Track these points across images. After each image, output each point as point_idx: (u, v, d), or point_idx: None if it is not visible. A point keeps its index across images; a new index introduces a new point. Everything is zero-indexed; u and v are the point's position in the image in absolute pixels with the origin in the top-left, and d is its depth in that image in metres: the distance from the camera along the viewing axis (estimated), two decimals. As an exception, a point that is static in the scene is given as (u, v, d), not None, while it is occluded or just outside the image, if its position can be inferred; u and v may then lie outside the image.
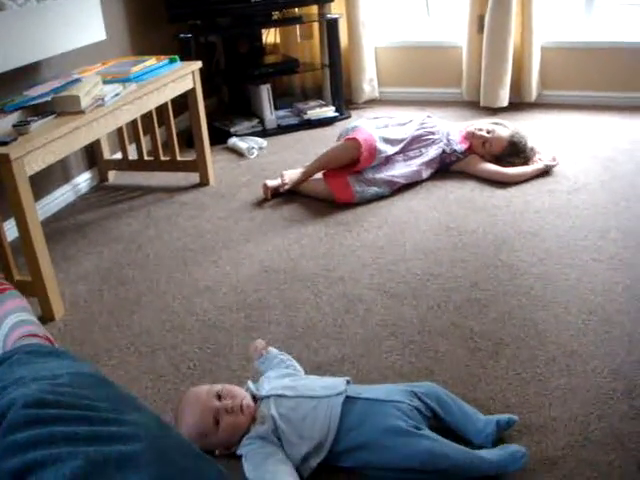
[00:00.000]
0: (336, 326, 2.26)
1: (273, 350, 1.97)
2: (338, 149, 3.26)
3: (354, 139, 3.16)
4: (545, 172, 3.33)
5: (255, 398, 1.76)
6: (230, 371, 2.06)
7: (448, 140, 3.38)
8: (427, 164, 3.31)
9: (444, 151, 3.35)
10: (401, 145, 3.28)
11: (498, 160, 3.37)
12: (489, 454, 1.63)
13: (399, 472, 1.60)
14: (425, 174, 3.31)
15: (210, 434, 1.70)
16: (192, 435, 1.69)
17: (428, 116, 3.52)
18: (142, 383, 2.06)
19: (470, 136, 3.42)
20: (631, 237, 2.70)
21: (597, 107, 4.28)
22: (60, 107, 2.52)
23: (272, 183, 3.29)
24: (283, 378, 1.83)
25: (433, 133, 3.37)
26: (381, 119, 3.51)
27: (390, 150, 3.23)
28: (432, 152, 3.33)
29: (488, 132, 3.39)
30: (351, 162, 3.18)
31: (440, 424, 1.73)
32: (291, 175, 3.28)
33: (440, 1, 4.72)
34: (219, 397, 1.73)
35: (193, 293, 2.53)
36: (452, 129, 3.47)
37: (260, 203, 3.25)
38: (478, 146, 3.39)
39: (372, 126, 3.34)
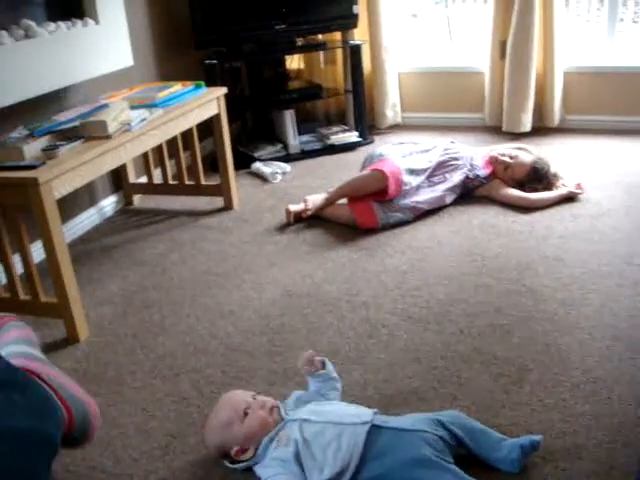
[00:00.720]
0: (359, 351, 2.26)
1: (329, 367, 1.93)
2: (364, 179, 3.26)
3: (381, 171, 3.16)
4: (569, 198, 3.31)
5: (281, 419, 1.78)
6: (253, 395, 2.06)
7: (471, 165, 3.38)
8: (451, 190, 3.32)
9: (467, 176, 3.35)
10: (426, 174, 3.29)
11: (521, 185, 3.36)
12: None
13: None
14: (449, 200, 3.32)
15: (235, 423, 1.76)
16: (218, 425, 1.79)
17: (452, 142, 3.53)
18: (165, 406, 2.07)
19: (493, 161, 3.42)
20: (656, 263, 2.69)
21: (620, 132, 4.27)
22: (88, 132, 2.56)
23: (295, 208, 3.30)
24: (310, 402, 1.84)
25: (457, 159, 3.37)
26: (405, 145, 3.52)
27: (415, 181, 3.24)
28: (456, 178, 3.33)
29: (511, 157, 3.39)
30: (376, 192, 3.19)
31: (466, 452, 1.72)
32: (314, 200, 3.30)
33: (462, 27, 4.74)
34: (254, 398, 1.81)
35: (217, 317, 2.55)
36: (475, 154, 3.48)
37: (283, 228, 3.27)
38: (501, 171, 3.39)
39: (397, 154, 3.35)
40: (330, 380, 1.91)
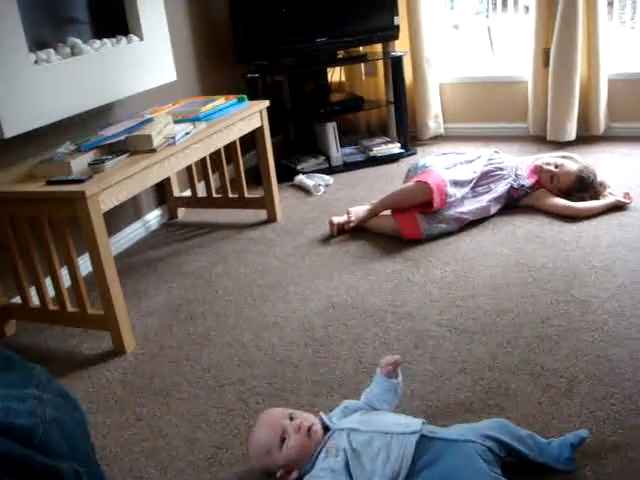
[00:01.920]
0: (405, 362, 2.24)
1: (400, 378, 1.90)
2: (408, 191, 3.24)
3: (425, 183, 3.14)
4: (616, 207, 3.25)
5: (327, 428, 1.76)
6: (298, 406, 2.05)
7: (516, 175, 3.35)
8: (496, 200, 3.28)
9: (512, 186, 3.32)
10: (470, 185, 3.27)
11: (567, 194, 3.32)
12: None
13: None
14: (493, 210, 3.28)
15: (274, 450, 1.72)
16: (257, 450, 1.75)
17: (496, 151, 3.50)
18: (211, 417, 2.08)
19: (538, 170, 3.38)
20: None
21: (668, 140, 4.20)
22: (133, 146, 2.60)
23: (338, 219, 3.30)
24: (358, 411, 1.83)
25: (501, 169, 3.34)
26: (449, 156, 3.50)
27: (459, 193, 3.21)
28: (500, 188, 3.30)
29: (556, 166, 3.35)
30: (420, 204, 3.17)
31: (517, 459, 1.70)
32: (357, 212, 3.30)
33: (504, 36, 4.72)
34: (291, 418, 1.76)
35: (261, 328, 2.55)
36: (520, 164, 3.44)
37: (327, 239, 3.27)
38: (546, 181, 3.35)
39: (441, 165, 3.33)
40: (394, 392, 1.88)
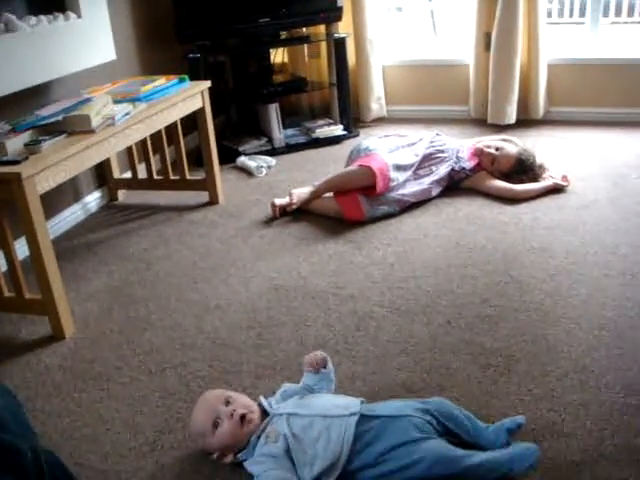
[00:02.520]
0: (347, 343, 2.26)
1: (330, 366, 1.92)
2: (351, 175, 3.24)
3: (369, 168, 3.14)
4: (555, 190, 3.31)
5: (267, 413, 1.77)
6: (240, 389, 2.05)
7: (457, 158, 3.39)
8: (437, 182, 3.32)
9: (453, 169, 3.35)
10: (413, 169, 3.29)
11: (507, 177, 3.37)
12: (500, 454, 1.65)
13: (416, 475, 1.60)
14: (435, 192, 3.31)
15: (207, 435, 1.75)
16: (193, 432, 1.80)
17: (437, 134, 3.53)
18: (153, 401, 2.06)
19: (479, 153, 3.42)
20: (642, 252, 2.70)
21: (605, 123, 4.28)
22: (71, 126, 2.54)
23: (280, 202, 3.30)
24: (297, 395, 1.83)
25: (443, 151, 3.38)
26: (391, 138, 3.52)
27: (402, 177, 3.24)
28: (442, 170, 3.34)
29: (496, 149, 3.40)
30: (363, 187, 3.18)
31: (453, 439, 1.72)
32: (299, 194, 3.29)
33: (446, 19, 4.75)
34: (227, 403, 1.76)
35: (203, 311, 2.53)
36: (461, 146, 3.48)
37: (269, 221, 3.26)
38: (487, 163, 3.39)
39: (384, 148, 3.34)
40: (327, 380, 1.90)
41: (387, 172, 3.18)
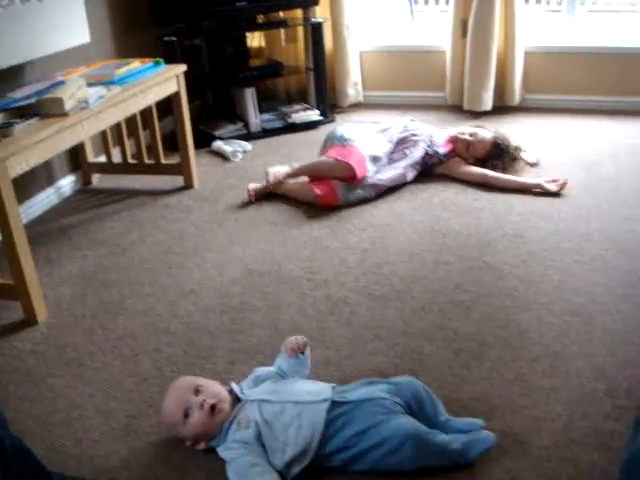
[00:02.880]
0: (320, 328, 2.26)
1: (307, 352, 1.92)
2: (330, 167, 3.21)
3: (347, 164, 3.13)
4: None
5: (239, 400, 1.77)
6: (214, 373, 2.05)
7: (431, 142, 3.40)
8: (411, 166, 3.32)
9: (427, 152, 3.36)
10: (387, 155, 3.30)
11: (483, 163, 3.38)
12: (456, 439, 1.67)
13: (380, 459, 1.62)
14: (410, 176, 3.32)
15: (178, 424, 1.75)
16: (164, 421, 1.81)
17: (411, 120, 3.54)
18: (126, 386, 2.06)
19: (454, 140, 3.44)
20: (613, 239, 2.73)
21: (580, 111, 4.31)
22: (44, 109, 2.51)
23: (255, 186, 3.29)
24: (269, 380, 1.83)
25: (416, 135, 3.39)
26: (365, 125, 3.53)
27: (377, 167, 3.26)
28: (416, 153, 3.35)
29: (471, 135, 3.41)
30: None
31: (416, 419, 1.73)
32: (276, 173, 3.30)
33: (424, 5, 4.74)
34: (197, 392, 1.76)
35: (177, 296, 2.53)
36: (435, 133, 3.49)
37: (244, 206, 3.25)
38: (462, 149, 3.40)
39: (360, 138, 3.34)
40: (302, 365, 1.90)
41: (364, 163, 3.19)
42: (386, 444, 1.60)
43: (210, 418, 1.72)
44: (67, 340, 2.31)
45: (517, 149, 3.42)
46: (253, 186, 3.29)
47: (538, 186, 3.20)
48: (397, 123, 3.48)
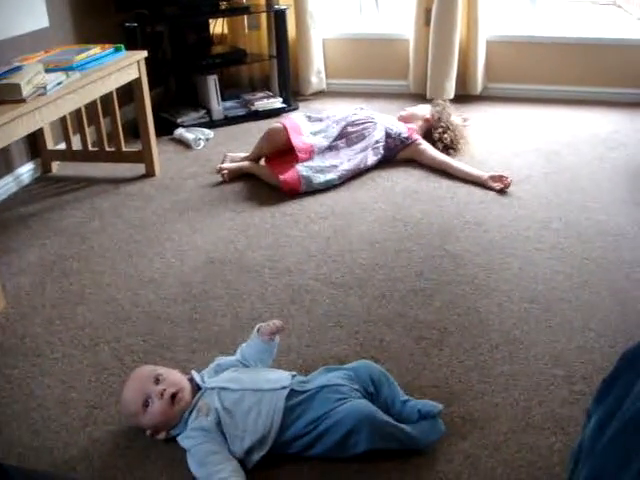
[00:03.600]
0: (282, 317, 2.26)
1: (277, 340, 1.93)
2: (265, 133, 3.37)
3: (279, 123, 3.32)
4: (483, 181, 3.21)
5: (199, 388, 1.76)
6: (175, 362, 2.04)
7: (391, 124, 3.45)
8: (373, 149, 3.35)
9: (389, 135, 3.39)
10: (336, 131, 3.35)
11: (434, 141, 3.48)
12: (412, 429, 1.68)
13: (337, 442, 1.63)
14: (371, 159, 3.34)
15: (138, 414, 1.74)
16: (124, 411, 1.80)
17: (361, 108, 3.59)
18: (85, 376, 2.04)
19: (403, 119, 3.56)
20: (572, 228, 2.76)
21: (541, 100, 4.35)
22: (0, 95, 2.46)
23: (230, 165, 3.41)
24: (231, 368, 1.83)
25: (372, 117, 3.44)
26: (313, 116, 3.57)
27: (325, 140, 3.30)
28: (377, 134, 3.38)
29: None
30: (283, 146, 3.27)
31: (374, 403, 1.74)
32: (233, 157, 3.48)
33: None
34: (157, 381, 1.74)
35: (138, 285, 2.51)
36: (390, 118, 3.56)
37: (206, 194, 3.23)
38: (407, 121, 3.57)
39: (303, 118, 3.48)
40: (269, 353, 1.90)
41: (299, 129, 3.30)
42: (341, 425, 1.61)
43: (170, 407, 1.71)
44: (26, 330, 2.28)
45: (458, 118, 3.55)
46: (227, 165, 3.38)
47: (481, 180, 3.17)
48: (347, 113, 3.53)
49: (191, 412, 1.71)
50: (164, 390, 1.72)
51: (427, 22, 4.30)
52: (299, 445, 1.66)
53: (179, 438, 1.71)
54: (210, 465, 1.59)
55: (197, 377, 1.80)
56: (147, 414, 1.72)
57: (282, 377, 1.75)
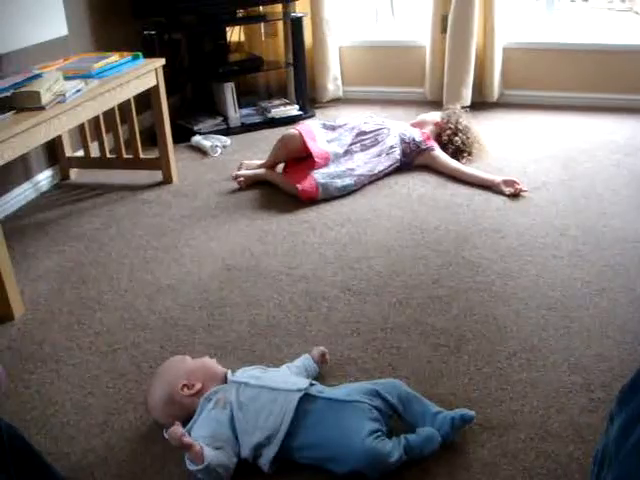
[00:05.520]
0: (299, 324, 2.26)
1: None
2: (279, 140, 3.37)
3: (294, 130, 3.32)
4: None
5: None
6: (192, 369, 2.05)
7: (405, 129, 3.48)
8: (387, 153, 3.36)
9: (403, 140, 3.40)
10: (350, 138, 3.35)
11: (445, 147, 3.48)
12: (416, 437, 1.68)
13: (345, 473, 1.62)
14: (386, 165, 3.35)
15: (181, 364, 1.85)
16: (162, 374, 1.84)
17: (371, 116, 3.62)
18: (103, 382, 2.04)
19: (414, 126, 3.57)
20: (590, 234, 2.74)
21: (558, 107, 4.33)
22: (20, 103, 2.48)
23: (245, 173, 3.42)
24: (255, 369, 1.86)
25: (383, 124, 3.46)
26: (327, 123, 3.57)
27: (339, 147, 3.31)
28: (390, 140, 3.39)
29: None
30: (298, 152, 3.28)
31: (400, 421, 1.74)
32: (248, 164, 3.50)
33: (404, 1, 4.74)
34: (185, 387, 1.80)
35: (155, 291, 2.52)
36: (402, 124, 3.59)
37: (223, 201, 3.24)
38: (421, 126, 3.57)
39: (317, 125, 3.48)
40: (306, 374, 1.92)
41: (314, 135, 3.31)
42: (352, 462, 1.60)
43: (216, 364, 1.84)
44: (44, 336, 2.29)
45: (467, 128, 3.52)
46: (243, 172, 3.40)
47: (494, 184, 3.18)
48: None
49: (209, 401, 1.73)
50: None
51: (443, 29, 4.30)
52: (306, 456, 1.66)
53: (189, 424, 1.72)
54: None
55: (229, 373, 1.84)
56: (191, 361, 1.86)
57: (300, 381, 1.77)
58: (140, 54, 3.23)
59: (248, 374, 1.80)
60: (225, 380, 1.82)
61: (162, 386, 1.80)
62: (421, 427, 1.71)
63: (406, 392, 1.77)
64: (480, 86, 4.42)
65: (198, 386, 1.78)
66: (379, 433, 1.63)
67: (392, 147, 3.37)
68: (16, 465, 1.28)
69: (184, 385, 1.78)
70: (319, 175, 3.15)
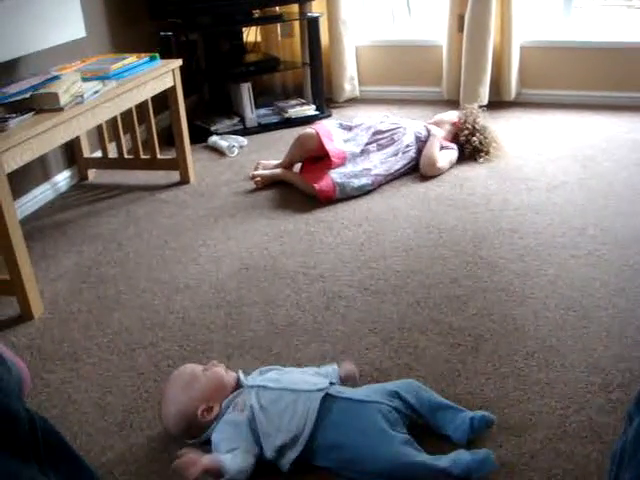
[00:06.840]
0: (316, 323, 2.27)
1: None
2: (296, 138, 3.39)
3: (311, 129, 3.34)
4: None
5: (241, 387, 1.80)
6: (210, 368, 2.05)
7: (422, 127, 3.48)
8: (403, 152, 3.36)
9: (419, 138, 3.40)
10: (366, 137, 3.35)
11: (461, 143, 3.53)
12: (455, 461, 1.60)
13: (369, 474, 1.61)
14: (403, 164, 3.35)
15: (194, 381, 1.76)
16: (175, 391, 1.77)
17: (386, 116, 3.61)
18: (122, 381, 2.06)
19: (434, 125, 3.56)
20: (608, 234, 2.73)
21: (576, 106, 4.31)
22: (39, 104, 2.51)
23: (262, 172, 3.43)
24: (273, 371, 1.86)
25: (398, 124, 3.46)
26: (343, 123, 3.57)
27: (355, 147, 3.31)
28: (406, 139, 3.39)
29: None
30: (315, 152, 3.28)
31: (419, 420, 1.74)
32: (265, 164, 3.50)
33: (421, 0, 4.73)
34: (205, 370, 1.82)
35: (173, 291, 2.53)
36: (417, 122, 3.59)
37: (240, 201, 3.25)
38: (444, 130, 3.56)
39: (333, 125, 3.49)
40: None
41: (330, 135, 3.31)
42: (376, 466, 1.59)
43: (227, 374, 1.81)
44: (63, 335, 2.31)
45: (486, 126, 3.54)
46: (260, 172, 3.41)
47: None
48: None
49: (228, 407, 1.73)
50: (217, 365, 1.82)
51: (460, 28, 4.29)
52: (328, 459, 1.65)
53: (209, 430, 1.73)
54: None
55: (242, 376, 1.83)
56: (204, 379, 1.78)
57: (320, 381, 1.76)
58: (157, 55, 3.24)
59: (265, 377, 1.80)
60: (237, 383, 1.81)
61: (177, 407, 1.75)
62: (441, 426, 1.72)
63: (425, 392, 1.77)
64: (497, 85, 4.40)
65: (216, 410, 1.74)
66: (408, 437, 1.64)
67: (408, 146, 3.37)
68: (49, 459, 1.28)
69: (204, 410, 1.74)
70: (336, 175, 3.15)
